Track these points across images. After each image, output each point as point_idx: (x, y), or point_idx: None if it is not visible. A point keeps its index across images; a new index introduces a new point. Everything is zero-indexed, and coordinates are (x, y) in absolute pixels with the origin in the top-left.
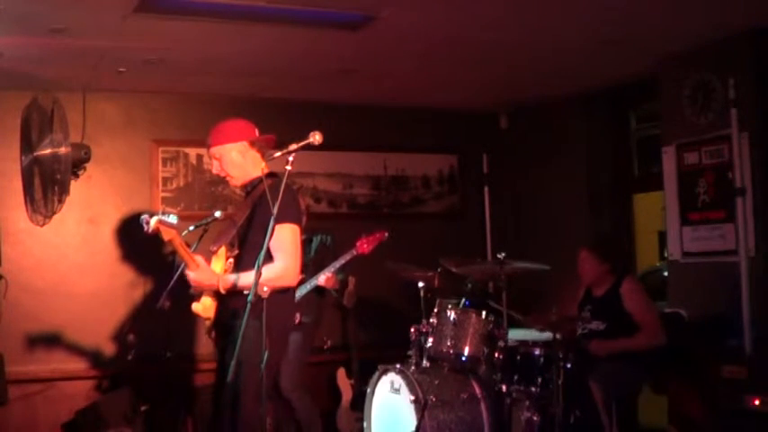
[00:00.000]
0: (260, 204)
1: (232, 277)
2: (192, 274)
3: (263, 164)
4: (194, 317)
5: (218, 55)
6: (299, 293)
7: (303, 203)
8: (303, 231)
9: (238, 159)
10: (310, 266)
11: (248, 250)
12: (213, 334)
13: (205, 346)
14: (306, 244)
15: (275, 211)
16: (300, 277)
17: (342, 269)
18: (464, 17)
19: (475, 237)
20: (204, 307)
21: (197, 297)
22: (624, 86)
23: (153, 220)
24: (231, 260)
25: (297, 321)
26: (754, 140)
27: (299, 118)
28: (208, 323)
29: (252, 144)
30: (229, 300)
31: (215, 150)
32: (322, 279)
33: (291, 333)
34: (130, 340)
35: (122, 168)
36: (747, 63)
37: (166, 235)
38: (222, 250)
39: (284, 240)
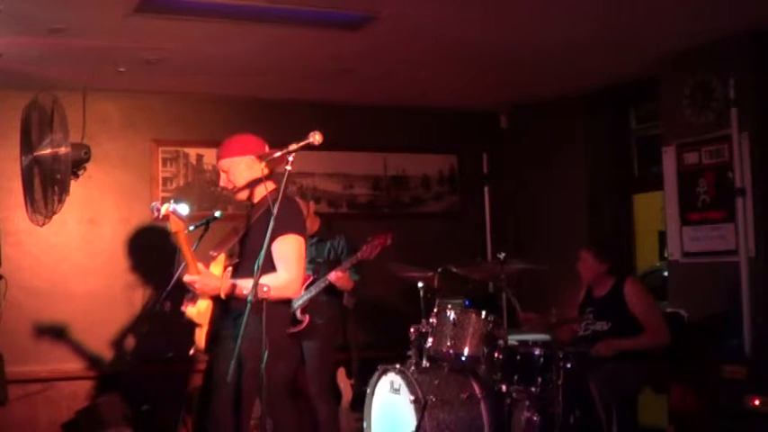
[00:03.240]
0: (263, 216)
1: (239, 282)
2: (197, 279)
3: (263, 163)
4: (191, 324)
5: (218, 55)
6: (309, 294)
7: (311, 207)
8: (317, 233)
9: (246, 173)
10: (324, 267)
11: (250, 260)
12: (202, 346)
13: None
14: (318, 245)
15: (275, 211)
16: (312, 278)
17: (356, 270)
18: (464, 17)
19: (475, 237)
20: (199, 312)
21: (192, 300)
22: (624, 86)
23: (164, 208)
24: (230, 269)
25: (306, 323)
26: (754, 140)
27: (299, 118)
28: (198, 332)
29: (260, 159)
30: (228, 306)
31: (223, 163)
32: (332, 276)
33: (306, 341)
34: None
35: (122, 168)
36: (747, 63)
37: (174, 226)
38: (221, 257)
39: (288, 251)
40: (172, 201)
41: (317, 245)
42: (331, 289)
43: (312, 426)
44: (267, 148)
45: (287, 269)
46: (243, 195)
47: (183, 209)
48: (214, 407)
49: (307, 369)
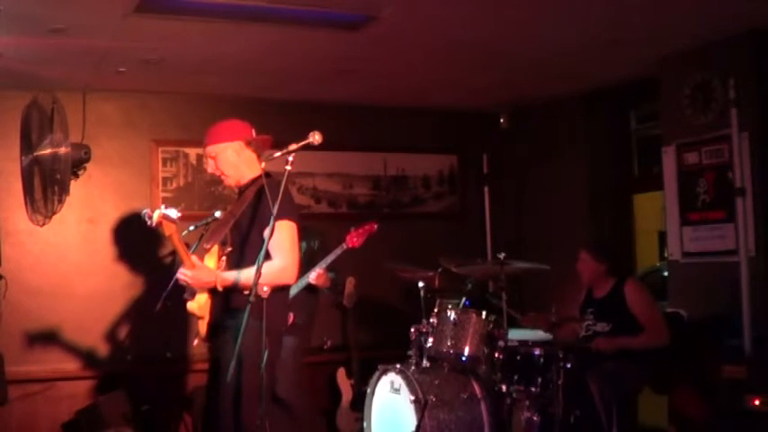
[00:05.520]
0: (255, 202)
1: (230, 275)
2: (189, 273)
3: (263, 163)
4: (193, 317)
5: (218, 55)
6: (291, 293)
7: None
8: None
9: (234, 159)
10: (301, 268)
11: (243, 248)
12: (204, 335)
13: (205, 345)
14: None
15: (275, 210)
16: None
17: (333, 267)
18: (464, 17)
19: (475, 237)
20: (199, 305)
21: (192, 296)
22: (624, 86)
23: (156, 214)
24: (224, 258)
25: (290, 322)
26: (754, 140)
27: (299, 118)
28: (200, 323)
29: (248, 144)
30: (228, 299)
31: (211, 149)
32: (313, 276)
33: (285, 337)
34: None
35: (122, 168)
36: (747, 63)
37: (167, 230)
38: (215, 248)
39: (282, 238)
40: (162, 206)
41: None
42: (309, 287)
43: (289, 425)
44: (254, 133)
45: (282, 256)
46: (231, 181)
47: (173, 212)
48: (221, 403)
49: (282, 366)
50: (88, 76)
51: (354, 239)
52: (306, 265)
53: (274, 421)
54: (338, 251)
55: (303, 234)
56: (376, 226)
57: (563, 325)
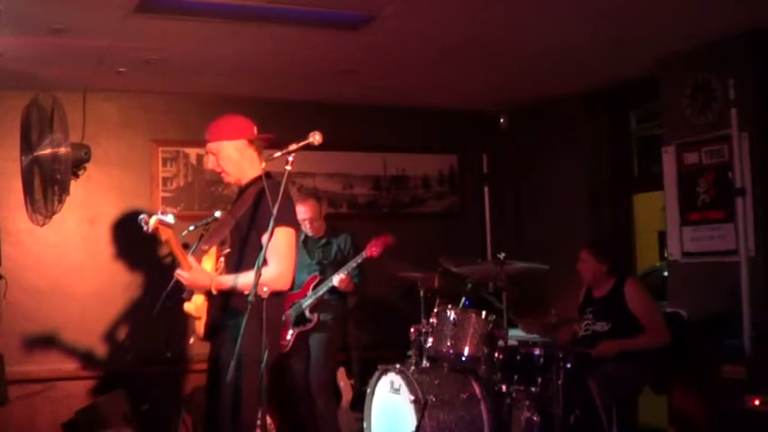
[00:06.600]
0: (255, 204)
1: (226, 279)
2: (185, 275)
3: (263, 163)
4: (190, 317)
5: (218, 55)
6: (317, 295)
7: (323, 210)
8: (324, 235)
9: (235, 157)
10: (330, 268)
11: (241, 250)
12: (202, 335)
13: (204, 345)
14: (325, 247)
15: (275, 211)
16: (318, 279)
17: (359, 271)
18: (464, 17)
19: (475, 237)
20: (196, 306)
21: (188, 297)
22: (624, 86)
23: (152, 220)
24: (222, 259)
25: (315, 322)
26: (754, 140)
27: (299, 118)
28: (197, 323)
29: (250, 143)
30: (227, 299)
31: (212, 146)
32: (336, 280)
33: (312, 333)
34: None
35: (122, 168)
36: (747, 63)
37: (164, 234)
38: (213, 250)
39: (279, 244)
40: (159, 211)
41: (324, 247)
42: (337, 289)
43: (311, 420)
44: (256, 131)
45: (277, 262)
46: (231, 179)
47: (170, 217)
48: (221, 403)
49: (311, 363)
50: (88, 76)
51: (373, 249)
52: (336, 266)
53: (295, 416)
54: (358, 259)
55: (332, 235)
56: (390, 238)
57: (562, 327)
